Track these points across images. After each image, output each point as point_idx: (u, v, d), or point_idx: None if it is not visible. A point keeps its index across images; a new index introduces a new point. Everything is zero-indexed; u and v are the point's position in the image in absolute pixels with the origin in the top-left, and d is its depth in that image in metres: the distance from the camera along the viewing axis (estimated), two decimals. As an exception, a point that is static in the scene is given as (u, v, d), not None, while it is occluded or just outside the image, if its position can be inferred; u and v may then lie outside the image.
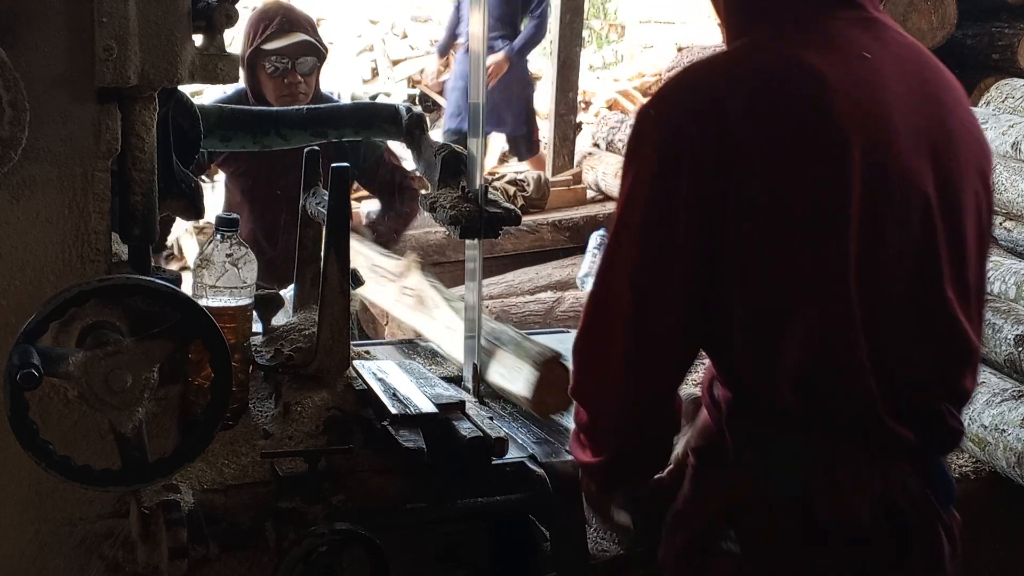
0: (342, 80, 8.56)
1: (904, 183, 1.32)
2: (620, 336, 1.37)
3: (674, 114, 1.34)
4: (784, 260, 1.31)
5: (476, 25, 1.99)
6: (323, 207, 1.78)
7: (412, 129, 2.05)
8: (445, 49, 7.17)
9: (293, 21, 3.28)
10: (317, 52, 3.29)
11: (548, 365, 1.88)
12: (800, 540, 1.35)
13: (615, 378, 1.40)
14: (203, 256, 1.66)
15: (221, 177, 3.72)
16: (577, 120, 6.98)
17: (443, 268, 4.64)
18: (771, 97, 1.31)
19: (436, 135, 3.39)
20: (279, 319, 1.90)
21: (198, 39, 1.43)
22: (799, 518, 1.34)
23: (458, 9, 6.68)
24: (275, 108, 2.17)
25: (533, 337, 2.61)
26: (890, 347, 1.34)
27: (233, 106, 2.27)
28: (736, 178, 1.28)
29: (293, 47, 3.23)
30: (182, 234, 6.76)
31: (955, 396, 1.40)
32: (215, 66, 1.44)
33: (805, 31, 1.36)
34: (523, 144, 6.89)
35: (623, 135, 6.05)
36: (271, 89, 3.24)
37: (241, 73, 3.07)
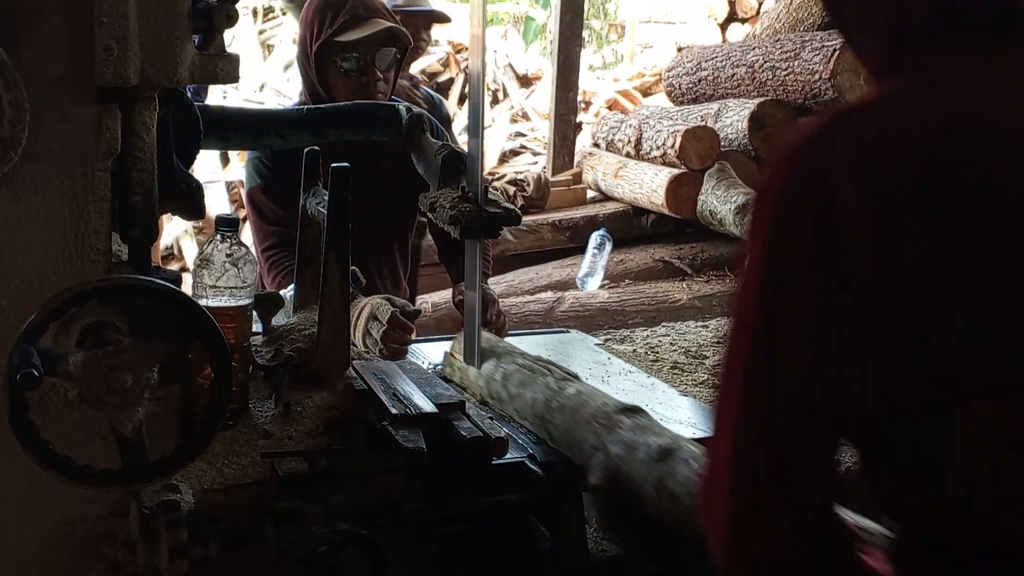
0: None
1: None
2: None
3: (796, 191, 1.02)
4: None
5: (476, 26, 1.99)
6: (323, 207, 1.78)
7: (412, 129, 2.05)
8: None
9: (369, 6, 2.71)
10: (398, 41, 2.73)
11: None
12: None
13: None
14: (203, 256, 1.66)
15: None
16: (577, 120, 6.98)
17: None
18: (936, 173, 0.99)
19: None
20: (279, 319, 1.90)
21: (198, 39, 1.43)
22: None
23: None
24: (275, 108, 2.15)
25: (536, 338, 2.62)
26: None
27: (233, 106, 2.26)
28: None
29: (374, 37, 2.66)
30: (182, 234, 6.77)
31: None
32: (215, 66, 1.44)
33: (975, 65, 1.05)
34: None
35: (623, 135, 6.06)
36: (343, 89, 2.69)
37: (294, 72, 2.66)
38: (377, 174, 2.74)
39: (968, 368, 0.98)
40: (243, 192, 2.87)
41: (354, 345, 2.23)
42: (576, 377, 1.94)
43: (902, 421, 1.01)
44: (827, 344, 0.99)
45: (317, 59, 2.69)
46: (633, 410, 1.73)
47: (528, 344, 2.53)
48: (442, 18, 4.31)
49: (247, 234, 2.97)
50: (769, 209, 1.04)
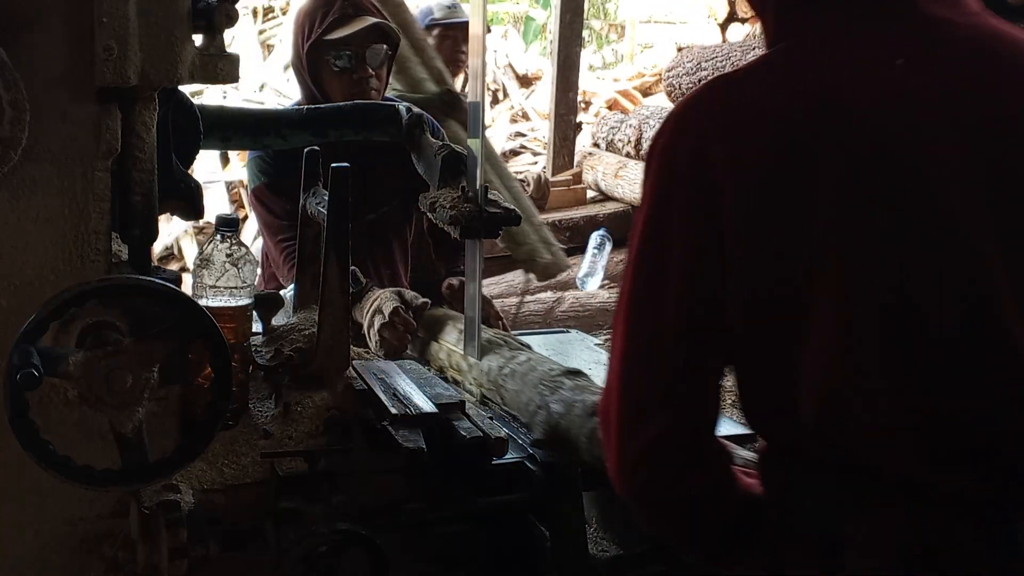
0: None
1: (932, 205, 1.14)
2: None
3: (669, 147, 1.22)
4: (777, 307, 1.17)
5: (476, 26, 2.00)
6: (323, 207, 1.78)
7: (411, 129, 2.05)
8: None
9: (358, 5, 2.71)
10: (388, 38, 2.73)
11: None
12: None
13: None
14: (203, 256, 1.66)
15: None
16: (577, 120, 6.98)
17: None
18: (752, 136, 1.17)
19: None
20: (279, 319, 1.90)
21: (198, 39, 1.43)
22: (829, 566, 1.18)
23: None
24: (275, 108, 2.15)
25: (536, 338, 2.62)
26: (931, 388, 1.15)
27: (233, 106, 2.27)
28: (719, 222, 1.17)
29: (362, 34, 2.66)
30: (182, 234, 6.77)
31: None
32: (215, 66, 1.44)
33: (832, 43, 1.20)
34: None
35: (623, 135, 6.06)
36: (337, 89, 2.69)
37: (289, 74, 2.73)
38: (375, 173, 2.74)
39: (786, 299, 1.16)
40: (246, 192, 2.87)
41: (364, 340, 2.25)
42: (528, 347, 2.08)
43: (749, 347, 1.19)
44: (696, 281, 1.18)
45: (309, 60, 2.70)
46: (575, 373, 1.86)
47: (527, 344, 2.53)
48: None
49: (247, 234, 2.99)
50: (655, 167, 1.22)
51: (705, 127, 1.19)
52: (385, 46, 2.72)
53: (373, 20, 2.69)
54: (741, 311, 1.17)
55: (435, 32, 4.03)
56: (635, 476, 1.22)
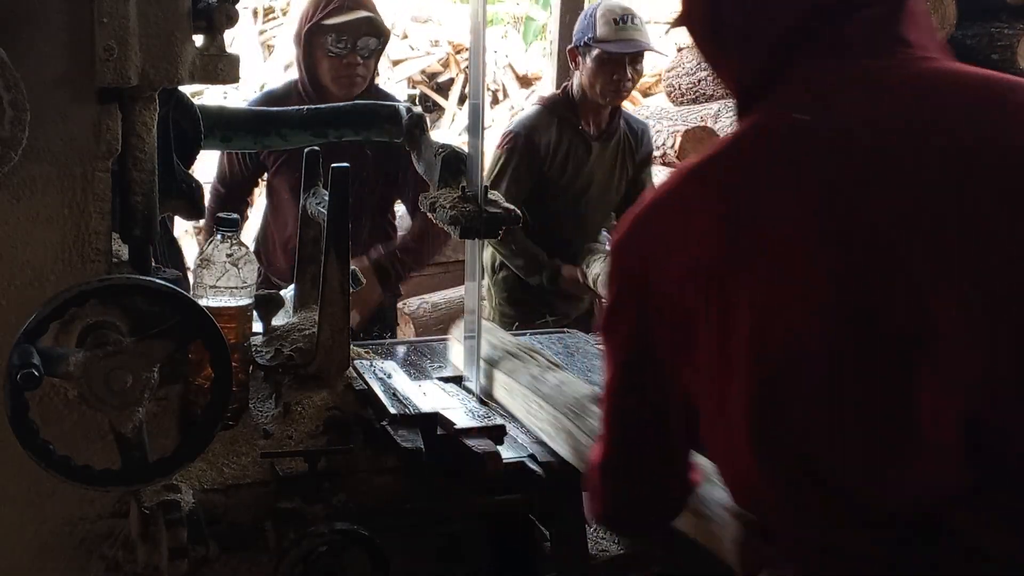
0: (342, 80, 8.55)
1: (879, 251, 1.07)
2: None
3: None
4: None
5: (476, 26, 1.99)
6: (323, 207, 1.78)
7: (412, 129, 2.05)
8: None
9: (357, 0, 3.09)
10: (379, 33, 3.10)
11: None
12: None
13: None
14: (203, 256, 1.66)
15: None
16: (577, 120, 6.97)
17: (443, 268, 4.65)
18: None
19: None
20: (279, 319, 1.90)
21: (198, 39, 1.43)
22: None
23: None
24: (275, 108, 2.15)
25: (536, 338, 2.62)
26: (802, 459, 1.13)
27: (233, 106, 2.27)
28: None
29: (355, 24, 3.03)
30: (182, 234, 6.77)
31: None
32: (215, 66, 1.44)
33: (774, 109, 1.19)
34: None
35: (623, 135, 6.05)
36: (327, 70, 3.07)
37: (295, 52, 3.12)
38: (360, 162, 2.88)
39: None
40: None
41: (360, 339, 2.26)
42: (558, 366, 2.02)
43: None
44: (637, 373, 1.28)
45: (307, 41, 3.07)
46: None
47: (528, 343, 2.52)
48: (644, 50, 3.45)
49: (247, 234, 3.11)
50: (610, 283, 1.31)
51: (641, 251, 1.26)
52: (376, 40, 3.08)
53: (367, 14, 3.06)
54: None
55: (593, 52, 3.35)
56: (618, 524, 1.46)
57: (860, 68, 1.17)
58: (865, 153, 1.11)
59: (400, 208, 3.53)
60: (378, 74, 3.20)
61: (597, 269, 3.33)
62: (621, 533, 1.67)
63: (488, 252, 3.57)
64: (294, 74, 3.24)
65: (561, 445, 1.74)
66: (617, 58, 3.33)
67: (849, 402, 1.08)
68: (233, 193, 3.29)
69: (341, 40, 3.02)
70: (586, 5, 3.97)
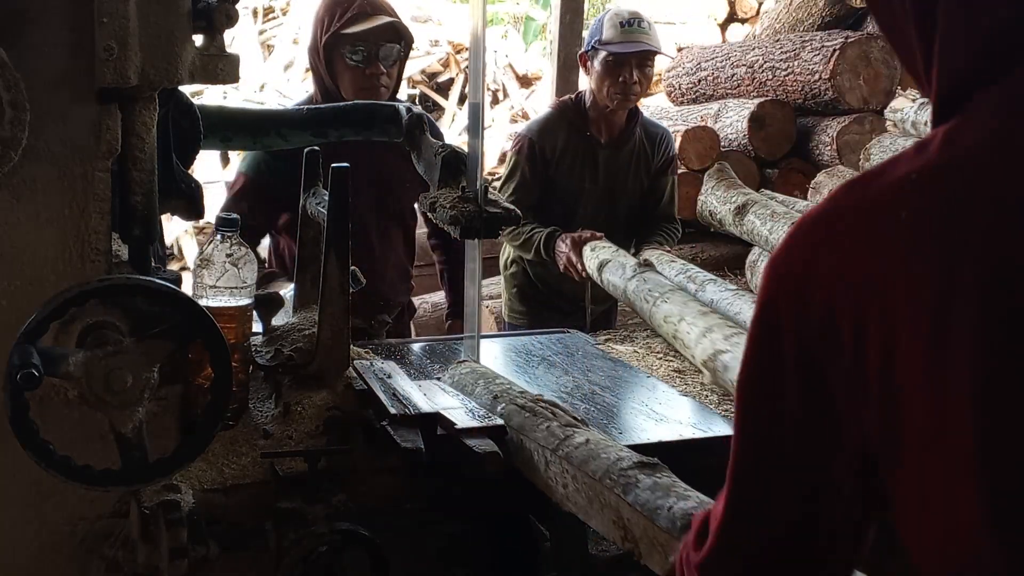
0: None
1: None
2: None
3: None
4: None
5: (476, 26, 1.99)
6: (323, 207, 1.78)
7: (412, 129, 2.05)
8: None
9: (376, 5, 2.86)
10: (401, 38, 2.87)
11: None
12: None
13: None
14: (203, 256, 1.66)
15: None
16: (577, 120, 6.97)
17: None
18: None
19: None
20: (279, 319, 1.90)
21: (198, 39, 1.43)
22: None
23: None
24: (275, 108, 2.15)
25: (537, 339, 2.62)
26: None
27: (233, 106, 2.27)
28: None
29: (377, 31, 2.80)
30: (182, 234, 6.77)
31: None
32: (215, 66, 1.44)
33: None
34: None
35: (623, 135, 6.05)
36: (348, 82, 2.82)
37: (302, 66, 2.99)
38: (382, 167, 2.81)
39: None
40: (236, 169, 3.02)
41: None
42: (583, 423, 1.67)
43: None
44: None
45: (326, 52, 2.83)
46: (650, 466, 1.43)
47: (528, 344, 2.53)
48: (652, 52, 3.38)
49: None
50: (756, 320, 0.95)
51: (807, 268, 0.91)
52: (398, 46, 2.85)
53: (389, 19, 2.82)
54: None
55: (600, 56, 3.33)
56: None
57: None
58: None
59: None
60: (402, 80, 3.00)
61: (591, 257, 3.16)
62: None
63: (504, 247, 3.57)
64: (295, 76, 3.17)
65: (602, 522, 1.44)
66: (623, 60, 3.30)
67: None
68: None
69: (362, 49, 2.80)
70: (586, 6, 3.97)
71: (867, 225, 0.88)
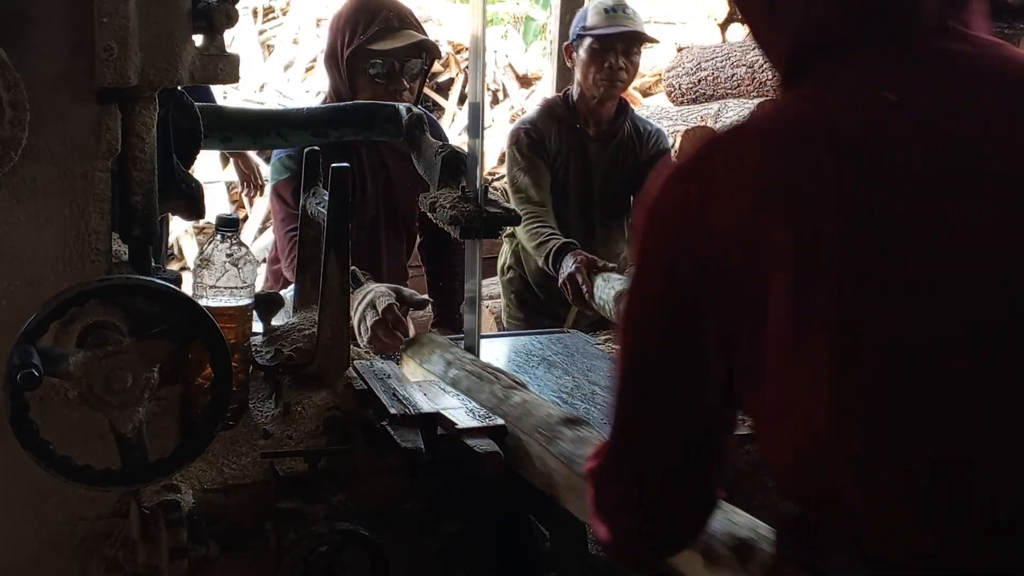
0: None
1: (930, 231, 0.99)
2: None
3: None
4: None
5: (476, 26, 1.99)
6: (323, 207, 1.78)
7: (412, 129, 2.05)
8: None
9: (403, 18, 2.82)
10: (426, 53, 2.84)
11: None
12: None
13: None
14: (203, 256, 1.66)
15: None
16: (577, 120, 6.96)
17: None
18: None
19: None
20: (279, 319, 1.90)
21: (198, 39, 1.43)
22: None
23: None
24: (275, 108, 2.15)
25: (537, 339, 2.62)
26: (934, 453, 0.98)
27: (233, 106, 2.27)
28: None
29: (406, 49, 2.77)
30: (182, 234, 6.77)
31: None
32: (215, 66, 1.44)
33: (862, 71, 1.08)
34: None
35: (623, 135, 6.05)
36: (370, 95, 2.76)
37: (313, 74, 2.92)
38: (384, 169, 2.81)
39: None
40: (268, 187, 2.96)
41: (357, 338, 2.23)
42: (523, 386, 1.85)
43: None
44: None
45: (347, 63, 2.80)
46: (574, 421, 1.64)
47: (528, 344, 2.53)
48: (640, 39, 3.36)
49: (247, 234, 3.05)
50: (637, 246, 1.13)
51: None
52: (421, 60, 2.83)
53: (419, 37, 2.79)
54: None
55: (585, 43, 3.33)
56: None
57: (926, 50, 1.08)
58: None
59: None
60: (422, 91, 2.96)
61: (602, 290, 2.94)
62: (635, 565, 1.31)
63: (502, 250, 3.56)
64: (295, 76, 3.15)
65: (530, 472, 1.62)
66: (608, 45, 3.27)
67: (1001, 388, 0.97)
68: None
69: (387, 64, 2.77)
70: (585, 4, 3.97)
71: (738, 171, 1.05)
